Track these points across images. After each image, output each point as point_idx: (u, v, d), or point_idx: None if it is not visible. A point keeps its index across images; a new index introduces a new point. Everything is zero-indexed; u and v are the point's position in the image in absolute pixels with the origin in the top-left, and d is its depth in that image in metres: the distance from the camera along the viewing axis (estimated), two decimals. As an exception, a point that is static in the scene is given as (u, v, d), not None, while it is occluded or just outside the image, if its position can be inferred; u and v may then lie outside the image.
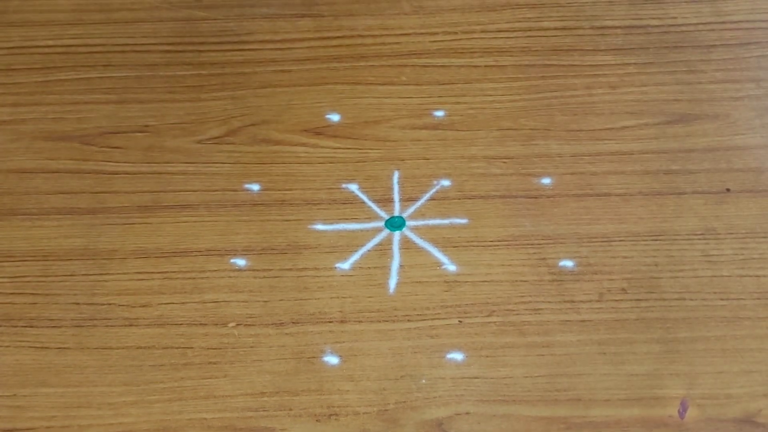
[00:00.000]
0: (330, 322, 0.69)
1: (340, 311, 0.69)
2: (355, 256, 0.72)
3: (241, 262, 0.72)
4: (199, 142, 0.80)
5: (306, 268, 0.71)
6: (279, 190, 0.76)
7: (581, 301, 0.69)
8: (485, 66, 0.85)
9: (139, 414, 0.64)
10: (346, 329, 0.68)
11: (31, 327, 0.69)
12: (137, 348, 0.68)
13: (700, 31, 0.87)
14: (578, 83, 0.83)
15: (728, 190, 0.76)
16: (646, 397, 0.65)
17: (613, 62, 0.85)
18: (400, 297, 0.70)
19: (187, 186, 0.77)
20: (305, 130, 0.80)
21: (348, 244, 0.73)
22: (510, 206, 0.75)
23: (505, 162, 0.78)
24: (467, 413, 0.64)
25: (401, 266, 0.72)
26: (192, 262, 0.72)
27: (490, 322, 0.68)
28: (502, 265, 0.71)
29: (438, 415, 0.64)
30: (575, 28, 0.87)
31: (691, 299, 0.69)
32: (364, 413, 0.64)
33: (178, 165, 0.78)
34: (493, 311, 0.69)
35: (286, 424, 0.64)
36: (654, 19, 0.88)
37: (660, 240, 0.73)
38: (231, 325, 0.69)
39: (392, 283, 0.71)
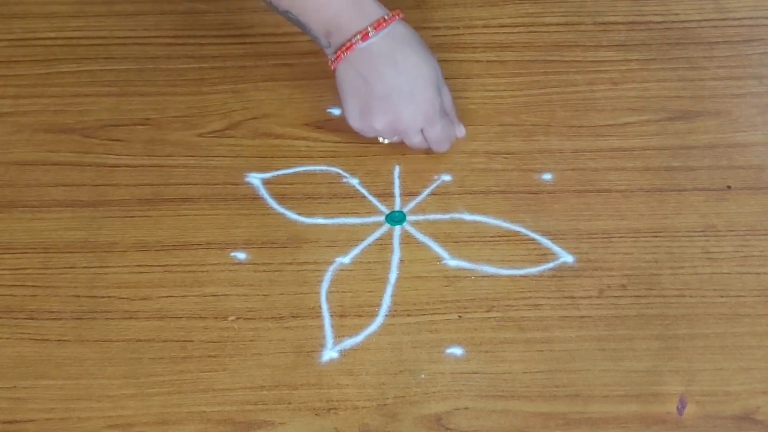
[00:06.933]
0: (330, 316, 0.69)
1: (340, 305, 0.69)
2: (356, 251, 0.72)
3: (241, 255, 0.72)
4: (200, 135, 0.79)
5: (306, 262, 0.71)
6: (280, 184, 0.76)
7: (581, 297, 0.69)
8: (487, 61, 0.84)
9: (138, 407, 0.65)
10: (345, 323, 0.68)
11: (32, 319, 0.69)
12: (137, 341, 0.68)
13: (702, 27, 0.87)
14: (580, 79, 0.83)
15: (729, 187, 0.75)
16: (644, 394, 0.65)
17: (615, 58, 0.84)
18: (400, 292, 0.70)
19: (187, 179, 0.76)
20: (307, 124, 0.80)
21: (348, 238, 0.73)
22: (510, 202, 0.75)
23: (506, 157, 0.78)
24: (466, 408, 0.64)
25: (401, 261, 0.72)
26: (192, 256, 0.72)
27: (489, 318, 0.68)
28: (502, 260, 0.71)
29: (437, 410, 0.64)
30: (577, 24, 0.87)
31: (691, 296, 0.69)
32: (363, 407, 0.64)
33: (179, 158, 0.78)
34: (493, 306, 0.69)
35: (285, 417, 0.64)
36: (656, 15, 0.88)
37: (660, 236, 0.73)
38: (231, 318, 0.69)
39: (392, 277, 0.71)
